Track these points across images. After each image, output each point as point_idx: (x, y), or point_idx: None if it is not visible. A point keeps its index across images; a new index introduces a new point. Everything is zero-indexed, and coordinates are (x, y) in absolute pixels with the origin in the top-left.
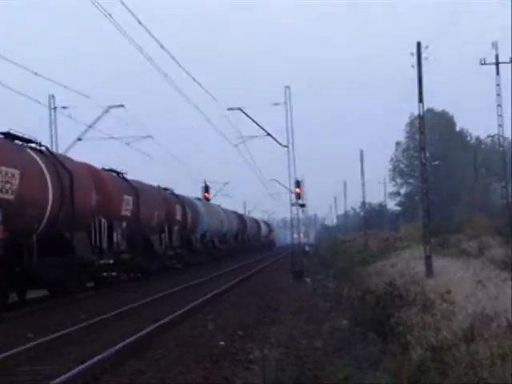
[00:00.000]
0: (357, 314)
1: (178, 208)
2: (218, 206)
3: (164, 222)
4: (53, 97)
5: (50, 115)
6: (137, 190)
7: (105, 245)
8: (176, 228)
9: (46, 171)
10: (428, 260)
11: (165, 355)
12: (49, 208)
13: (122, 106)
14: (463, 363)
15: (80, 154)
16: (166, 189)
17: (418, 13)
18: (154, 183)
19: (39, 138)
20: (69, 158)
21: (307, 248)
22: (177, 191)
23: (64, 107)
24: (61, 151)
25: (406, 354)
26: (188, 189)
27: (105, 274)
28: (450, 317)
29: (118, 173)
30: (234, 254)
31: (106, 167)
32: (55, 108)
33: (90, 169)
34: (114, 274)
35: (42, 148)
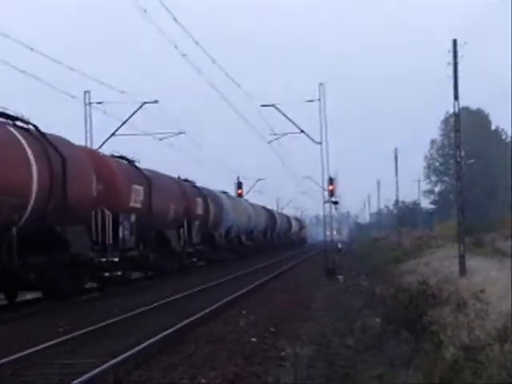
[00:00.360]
0: (389, 312)
1: (200, 201)
2: (246, 200)
3: (182, 216)
4: (88, 92)
5: (85, 111)
6: (149, 179)
7: (109, 240)
8: (197, 223)
9: (30, 154)
10: (462, 259)
11: (196, 351)
12: (33, 197)
13: (156, 101)
14: (496, 363)
15: (114, 150)
16: (186, 180)
17: (456, 9)
18: (188, 178)
19: (74, 133)
20: (65, 141)
21: (340, 245)
22: (210, 187)
23: (99, 103)
24: (95, 147)
25: (439, 353)
26: (221, 185)
27: (107, 273)
28: (484, 316)
29: (128, 160)
30: (262, 252)
31: (119, 155)
32: (90, 103)
33: (91, 154)
34: (118, 273)
35: (30, 127)
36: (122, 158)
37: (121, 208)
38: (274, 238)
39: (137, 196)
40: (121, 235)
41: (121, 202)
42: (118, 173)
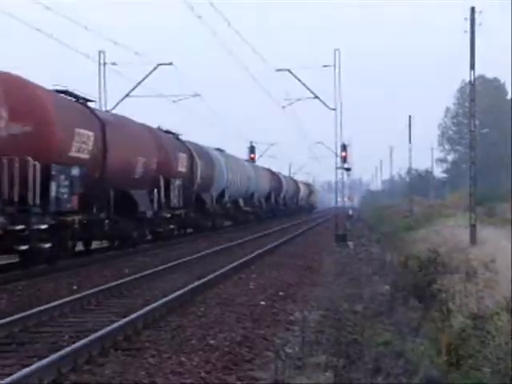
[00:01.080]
0: (399, 280)
1: (182, 157)
2: (247, 160)
3: (157, 173)
4: (103, 52)
5: (100, 71)
6: (103, 123)
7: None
8: (177, 183)
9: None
10: (473, 228)
11: (206, 313)
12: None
13: (170, 63)
14: (504, 333)
15: (128, 111)
16: (168, 132)
17: None
18: (201, 143)
19: (88, 92)
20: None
21: (351, 212)
22: (225, 151)
23: (113, 63)
24: (109, 107)
25: (447, 321)
26: (234, 149)
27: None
28: (493, 286)
29: (76, 97)
30: (264, 218)
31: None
32: (105, 64)
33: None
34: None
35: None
36: (63, 92)
37: (55, 158)
38: (280, 204)
39: (83, 143)
40: (53, 193)
41: (54, 151)
42: (51, 109)
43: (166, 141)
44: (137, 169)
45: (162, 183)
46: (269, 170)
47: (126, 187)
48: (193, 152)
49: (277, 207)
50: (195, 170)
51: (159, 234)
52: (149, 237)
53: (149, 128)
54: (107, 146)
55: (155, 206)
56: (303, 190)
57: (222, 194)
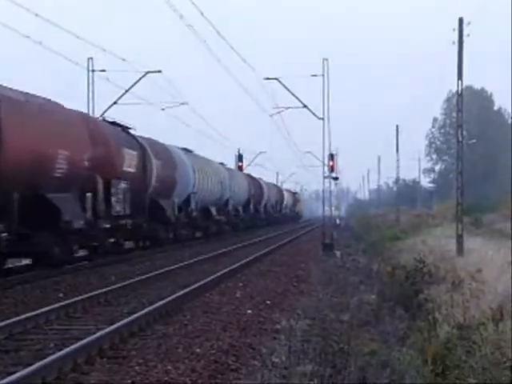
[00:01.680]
0: (385, 289)
1: (130, 154)
2: (222, 164)
3: (90, 171)
4: (91, 59)
5: (88, 78)
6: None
7: None
8: (122, 185)
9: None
10: (459, 238)
11: (192, 321)
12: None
13: (159, 71)
14: (490, 343)
15: (116, 118)
16: (116, 124)
17: None
18: (189, 148)
19: (76, 99)
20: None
21: (338, 221)
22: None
23: (102, 70)
24: (97, 114)
25: (433, 331)
26: (222, 157)
27: None
28: (480, 296)
29: None
30: (241, 228)
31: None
32: (93, 71)
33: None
34: None
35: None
36: None
37: None
38: (260, 212)
39: None
40: None
41: None
42: None
43: (107, 133)
44: (56, 165)
45: (99, 185)
46: (248, 175)
47: (42, 189)
48: (147, 149)
49: (257, 216)
50: (149, 170)
51: (96, 249)
52: (79, 253)
53: (82, 115)
54: (2, 132)
55: (88, 213)
56: (288, 198)
57: (187, 201)
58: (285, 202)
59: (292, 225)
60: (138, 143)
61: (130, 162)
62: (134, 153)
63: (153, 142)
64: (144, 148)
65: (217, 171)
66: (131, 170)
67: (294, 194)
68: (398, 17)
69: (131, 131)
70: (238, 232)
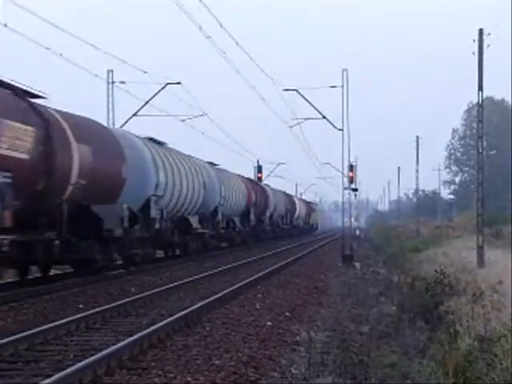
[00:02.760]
0: (405, 301)
1: (15, 129)
2: (212, 164)
3: None
4: (111, 71)
5: (108, 90)
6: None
7: None
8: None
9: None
10: (480, 250)
11: (212, 332)
12: None
13: (179, 83)
14: (511, 356)
15: (136, 130)
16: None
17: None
18: (209, 160)
19: (97, 111)
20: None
21: (358, 232)
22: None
23: (122, 82)
24: (117, 126)
25: (454, 343)
26: (241, 168)
27: None
28: (501, 308)
29: None
30: (238, 243)
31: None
32: (113, 83)
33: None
34: None
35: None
36: None
37: None
38: (265, 224)
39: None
40: None
41: None
42: None
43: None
44: None
45: None
46: (248, 179)
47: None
48: (59, 125)
49: (260, 228)
50: (62, 158)
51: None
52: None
53: None
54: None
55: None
56: (300, 208)
57: (146, 207)
58: (298, 213)
59: (304, 238)
60: (38, 115)
61: (13, 142)
62: (28, 129)
63: (75, 119)
64: (49, 123)
65: (198, 170)
66: (18, 155)
67: (309, 203)
68: (418, 28)
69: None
70: (233, 248)
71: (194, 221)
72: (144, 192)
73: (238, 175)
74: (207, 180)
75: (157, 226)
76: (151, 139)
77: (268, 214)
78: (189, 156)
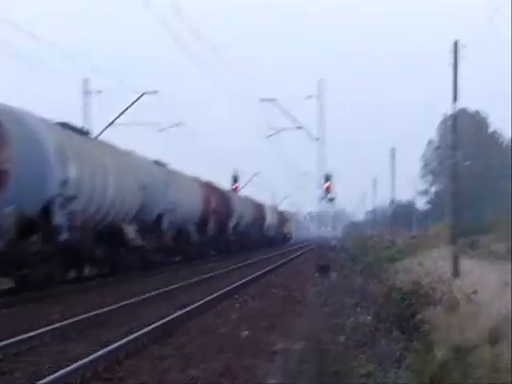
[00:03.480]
0: (381, 311)
1: None
2: (157, 162)
3: None
4: (87, 80)
5: (84, 99)
6: None
7: None
8: None
9: None
10: (455, 260)
11: (188, 342)
12: None
13: (155, 92)
14: (486, 365)
15: (112, 139)
16: None
17: (457, 11)
18: (186, 171)
19: (73, 120)
20: None
21: (334, 242)
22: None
23: (98, 91)
24: (93, 136)
25: (430, 353)
26: (217, 177)
27: None
28: (476, 317)
29: None
30: (191, 256)
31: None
32: (89, 92)
33: None
34: None
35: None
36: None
37: None
38: (227, 234)
39: None
40: None
41: None
42: None
43: None
44: None
45: None
46: (205, 183)
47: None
48: None
49: (222, 239)
50: None
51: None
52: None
53: None
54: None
55: None
56: (272, 217)
57: (47, 212)
58: (268, 222)
59: (277, 249)
60: None
61: None
62: None
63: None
64: None
65: (135, 168)
66: None
67: (282, 212)
68: (395, 40)
69: None
70: (188, 263)
71: (130, 230)
72: (42, 190)
73: (194, 178)
74: (148, 180)
75: (64, 236)
76: (65, 124)
77: (232, 223)
78: (126, 152)
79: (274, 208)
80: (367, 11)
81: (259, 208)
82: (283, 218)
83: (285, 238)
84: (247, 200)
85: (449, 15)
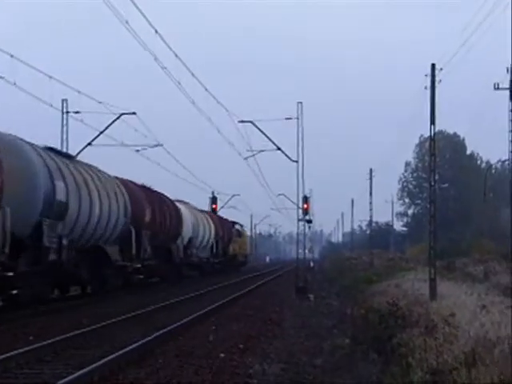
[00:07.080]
0: (359, 333)
1: None
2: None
3: None
4: (66, 101)
5: (62, 119)
6: None
7: None
8: None
9: None
10: (432, 282)
11: (165, 365)
12: None
13: (134, 113)
14: None
15: (90, 160)
16: None
17: (434, 35)
18: (163, 191)
19: (50, 141)
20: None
21: (312, 264)
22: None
23: (76, 112)
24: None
25: (407, 376)
26: (196, 199)
27: None
28: (453, 340)
29: None
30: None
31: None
32: (68, 112)
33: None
34: None
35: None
36: None
37: None
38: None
39: None
40: None
41: None
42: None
43: None
44: None
45: None
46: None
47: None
48: None
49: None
50: None
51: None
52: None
53: None
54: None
55: None
56: (208, 230)
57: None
58: (201, 237)
59: (205, 285)
60: None
61: None
62: None
63: None
64: None
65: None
66: None
67: (234, 223)
68: (372, 63)
69: None
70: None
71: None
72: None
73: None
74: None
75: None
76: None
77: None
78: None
79: (218, 217)
80: (343, 38)
81: (176, 214)
82: (231, 233)
83: (236, 263)
84: (169, 201)
85: (425, 40)
